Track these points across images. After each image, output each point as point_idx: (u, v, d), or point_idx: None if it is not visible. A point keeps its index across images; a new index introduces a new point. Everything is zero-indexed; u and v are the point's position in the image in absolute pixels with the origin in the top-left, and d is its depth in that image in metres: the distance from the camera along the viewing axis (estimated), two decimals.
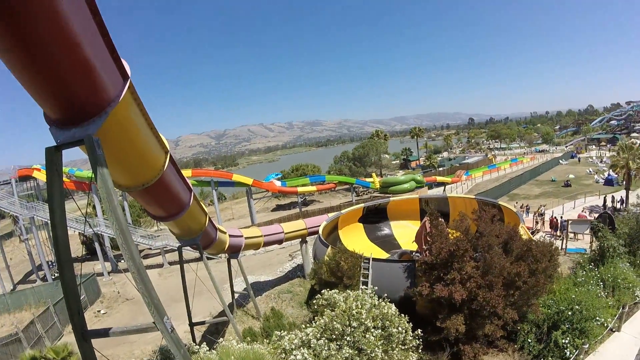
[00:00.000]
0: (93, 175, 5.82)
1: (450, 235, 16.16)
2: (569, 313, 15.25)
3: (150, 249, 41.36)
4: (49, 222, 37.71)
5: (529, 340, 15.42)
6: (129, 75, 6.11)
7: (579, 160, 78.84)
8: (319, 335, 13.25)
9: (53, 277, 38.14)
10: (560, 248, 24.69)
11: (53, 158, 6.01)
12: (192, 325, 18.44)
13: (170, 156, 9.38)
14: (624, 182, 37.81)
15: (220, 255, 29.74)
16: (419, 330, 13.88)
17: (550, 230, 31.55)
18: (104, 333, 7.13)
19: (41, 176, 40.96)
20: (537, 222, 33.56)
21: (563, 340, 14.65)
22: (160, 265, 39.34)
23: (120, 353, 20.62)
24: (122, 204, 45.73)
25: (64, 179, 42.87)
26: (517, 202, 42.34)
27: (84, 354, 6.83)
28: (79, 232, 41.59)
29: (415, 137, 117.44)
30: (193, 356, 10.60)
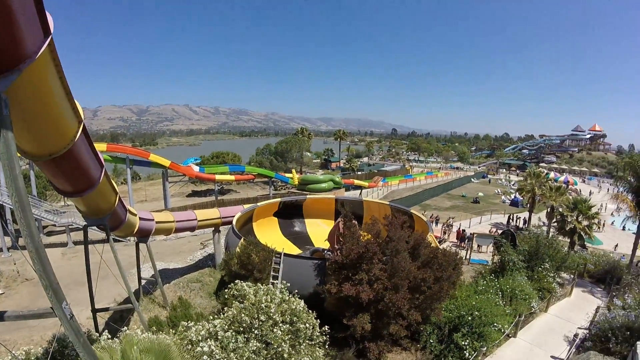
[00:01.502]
0: None
1: (362, 237, 16.66)
2: (469, 318, 16.43)
3: (54, 225, 38.14)
4: None
5: (431, 341, 16.45)
6: (52, 31, 5.48)
7: (489, 181, 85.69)
8: (226, 327, 13.06)
9: None
10: (464, 258, 26.49)
11: None
12: (94, 311, 17.25)
13: (84, 126, 8.69)
14: (528, 204, 41.47)
15: (129, 238, 28.32)
16: (326, 326, 14.13)
17: (456, 241, 33.74)
18: None
19: None
20: (445, 232, 35.68)
21: (463, 342, 15.75)
22: (65, 244, 36.38)
23: (18, 338, 18.85)
24: (28, 173, 41.87)
25: None
26: (425, 212, 44.74)
27: None
28: None
29: (339, 140, 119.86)
30: (94, 345, 9.94)
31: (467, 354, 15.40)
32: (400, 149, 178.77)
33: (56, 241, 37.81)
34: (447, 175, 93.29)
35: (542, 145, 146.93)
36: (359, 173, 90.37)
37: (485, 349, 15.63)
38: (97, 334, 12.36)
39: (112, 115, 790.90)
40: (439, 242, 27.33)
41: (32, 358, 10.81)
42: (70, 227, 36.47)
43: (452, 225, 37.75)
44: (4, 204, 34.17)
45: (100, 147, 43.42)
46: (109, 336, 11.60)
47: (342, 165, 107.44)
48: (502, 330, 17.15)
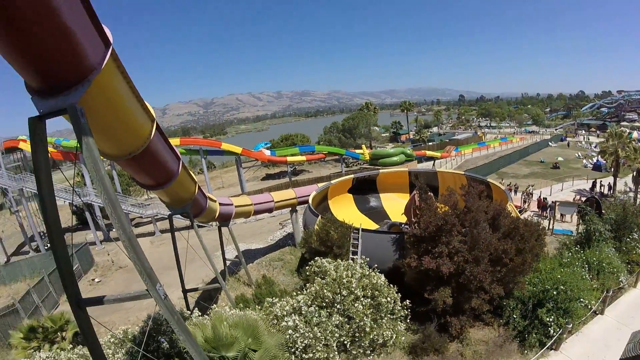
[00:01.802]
0: (78, 145, 5.68)
1: (438, 209, 16.25)
2: (554, 292, 15.40)
3: (141, 217, 41.33)
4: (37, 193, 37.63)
5: (514, 316, 15.67)
6: (111, 41, 5.89)
7: (568, 144, 79.31)
8: (309, 302, 13.48)
9: (46, 247, 38.04)
10: (547, 228, 25.02)
11: (36, 128, 5.82)
12: (185, 292, 18.66)
13: (157, 124, 9.20)
14: (612, 168, 38.19)
15: (211, 223, 29.78)
16: (407, 300, 14.13)
17: (537, 210, 31.88)
18: (98, 301, 7.13)
19: (27, 147, 40.24)
20: (525, 201, 33.86)
21: (547, 318, 14.86)
22: (152, 234, 39.42)
23: (116, 320, 20.83)
24: (111, 173, 45.34)
25: (51, 149, 42.18)
26: (502, 180, 42.64)
27: (80, 322, 6.87)
28: (69, 202, 41.30)
29: (406, 111, 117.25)
30: (186, 322, 10.72)
31: (552, 331, 14.61)
32: (470, 115, 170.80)
33: (144, 231, 40.93)
34: (522, 140, 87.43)
35: (622, 102, 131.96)
36: (430, 144, 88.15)
37: (570, 325, 14.74)
38: (189, 312, 13.27)
39: (180, 111, 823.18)
40: (520, 211, 25.97)
41: (130, 336, 11.89)
42: (155, 217, 39.22)
43: (532, 194, 35.65)
44: (93, 202, 37.37)
45: (174, 141, 45.75)
46: (200, 314, 12.43)
47: (411, 137, 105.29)
48: (589, 307, 16.16)
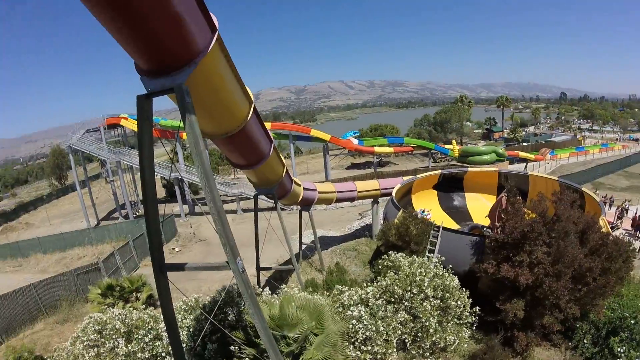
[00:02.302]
0: (182, 122, 6.21)
1: (526, 215, 15.47)
2: (632, 321, 14.03)
3: (226, 195, 43.68)
4: (133, 166, 41.62)
5: (585, 341, 14.50)
6: (217, 28, 6.33)
7: None
8: (378, 295, 13.55)
9: (135, 215, 41.84)
10: (638, 250, 22.76)
11: (143, 105, 6.45)
12: (258, 269, 19.52)
13: (254, 107, 9.69)
14: None
15: (292, 207, 30.66)
16: (477, 307, 13.71)
17: (631, 229, 29.10)
18: (179, 267, 7.78)
19: (128, 124, 44.55)
20: (619, 218, 30.99)
21: (619, 349, 13.55)
22: (234, 212, 41.56)
23: (189, 288, 22.32)
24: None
25: None
26: (597, 191, 39.12)
27: (159, 286, 7.49)
28: (161, 176, 44.82)
29: (502, 107, 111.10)
30: (257, 298, 11.31)
31: None
32: (571, 116, 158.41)
33: (227, 209, 43.12)
34: (625, 149, 79.50)
35: None
36: (525, 144, 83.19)
37: None
38: (260, 289, 13.89)
39: (272, 97, 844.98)
40: (611, 228, 23.85)
41: (200, 305, 12.72)
42: (239, 197, 41.27)
43: (627, 210, 32.55)
44: (184, 178, 40.25)
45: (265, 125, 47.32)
46: (270, 292, 13.00)
47: (505, 135, 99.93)
48: None
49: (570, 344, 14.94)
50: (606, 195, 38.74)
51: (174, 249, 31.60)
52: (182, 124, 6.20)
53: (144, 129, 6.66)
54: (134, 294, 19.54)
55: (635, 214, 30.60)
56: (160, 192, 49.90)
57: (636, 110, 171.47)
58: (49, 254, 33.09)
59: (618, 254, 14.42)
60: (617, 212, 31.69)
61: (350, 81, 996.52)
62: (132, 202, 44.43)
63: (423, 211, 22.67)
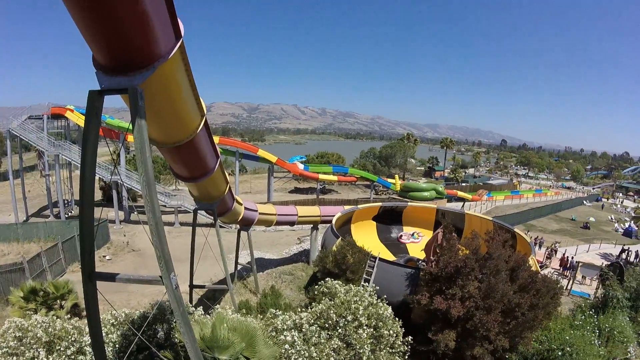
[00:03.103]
0: (130, 126, 5.99)
1: (460, 251, 16.12)
2: (559, 353, 15.00)
3: (164, 206, 42.20)
4: (72, 162, 39.24)
5: None
6: (182, 35, 6.23)
7: (602, 207, 76.61)
8: (312, 321, 13.44)
9: (67, 215, 39.22)
10: (565, 288, 24.39)
11: (94, 101, 6.14)
12: (192, 287, 18.83)
13: (206, 120, 9.55)
14: None
15: (231, 225, 30.11)
16: (410, 337, 13.95)
17: (559, 268, 31.16)
18: (110, 277, 7.28)
19: (73, 117, 42.01)
20: (548, 257, 33.11)
21: None
22: (171, 224, 40.06)
23: (117, 300, 21.19)
24: None
25: None
26: (528, 232, 41.76)
27: (87, 294, 7.00)
28: (100, 178, 42.58)
29: (445, 148, 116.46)
30: (189, 317, 10.88)
31: None
32: (509, 162, 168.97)
33: (164, 220, 41.33)
34: (557, 195, 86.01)
35: None
36: (463, 184, 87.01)
37: None
38: (193, 308, 13.45)
39: (225, 111, 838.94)
40: (541, 267, 25.36)
41: (130, 319, 12.11)
42: (179, 209, 39.95)
43: (556, 251, 34.89)
44: (122, 182, 38.43)
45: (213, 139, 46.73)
46: (202, 312, 12.59)
47: (446, 174, 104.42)
48: None
49: None
50: (537, 236, 41.25)
51: (104, 256, 29.83)
52: (130, 127, 5.97)
53: (91, 126, 6.29)
54: (58, 301, 18.19)
55: (564, 254, 32.77)
56: (97, 195, 47.38)
57: (570, 161, 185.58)
58: None
59: (546, 291, 15.41)
60: (547, 252, 33.83)
61: (304, 106, 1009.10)
62: (66, 201, 41.70)
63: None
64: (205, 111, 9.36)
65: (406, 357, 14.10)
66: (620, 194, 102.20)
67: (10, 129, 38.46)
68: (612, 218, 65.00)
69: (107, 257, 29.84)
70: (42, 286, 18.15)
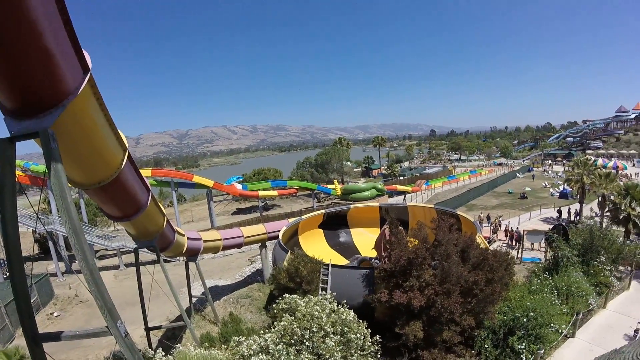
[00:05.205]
0: (47, 170, 5.54)
1: (409, 243, 16.41)
2: (524, 320, 15.70)
3: (106, 249, 40.13)
4: None
5: (486, 346, 15.75)
6: (90, 67, 5.87)
7: (533, 177, 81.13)
8: (277, 340, 13.13)
9: (4, 276, 36.11)
10: (516, 257, 25.55)
11: (6, 150, 5.65)
12: (148, 329, 17.86)
13: (129, 154, 9.09)
14: (578, 195, 39.58)
15: (178, 258, 29.10)
16: (378, 336, 13.96)
17: (506, 239, 32.62)
18: (55, 337, 6.81)
19: None
20: (494, 232, 34.61)
21: (519, 346, 15.05)
22: (117, 267, 38.13)
23: (74, 357, 19.89)
24: (78, 201, 44.15)
25: (18, 172, 40.81)
26: (482, 213, 43.69)
27: (35, 359, 6.48)
28: (32, 230, 39.83)
29: (378, 146, 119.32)
30: None
31: (524, 358, 14.73)
32: (441, 149, 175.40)
33: (108, 264, 39.64)
34: (491, 173, 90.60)
35: (587, 131, 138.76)
36: (401, 178, 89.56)
37: (542, 351, 14.90)
38: (152, 351, 12.74)
39: (154, 141, 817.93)
40: (489, 242, 26.43)
41: None
42: (121, 250, 38.12)
43: (501, 224, 36.64)
44: (57, 231, 36.10)
45: (145, 172, 45.15)
46: (163, 354, 11.96)
47: (383, 171, 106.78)
48: (560, 331, 16.36)
49: (473, 351, 15.99)
50: (480, 213, 42.96)
51: (52, 313, 27.73)
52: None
53: (6, 177, 5.75)
54: None
55: (508, 226, 34.36)
56: (33, 249, 44.01)
57: (498, 139, 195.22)
58: None
59: (498, 264, 16.02)
60: (492, 227, 35.25)
61: (233, 126, 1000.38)
62: (1, 261, 38.36)
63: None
64: (127, 145, 8.91)
65: (378, 355, 14.11)
66: (549, 161, 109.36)
67: None
68: (546, 184, 69.07)
69: (55, 314, 27.81)
70: None
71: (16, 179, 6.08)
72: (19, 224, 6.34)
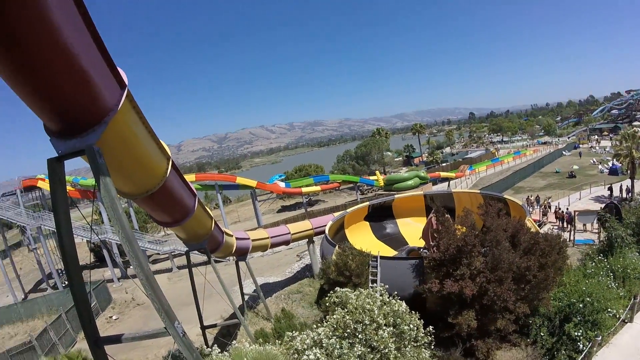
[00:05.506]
0: (96, 184, 5.80)
1: (457, 231, 16.06)
2: (580, 305, 15.02)
3: (158, 254, 41.61)
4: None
5: (542, 334, 15.25)
6: (126, 83, 6.11)
7: (580, 154, 77.04)
8: (330, 334, 13.21)
9: (64, 285, 38.37)
10: (568, 240, 24.49)
11: (55, 169, 6.00)
12: (203, 328, 18.48)
13: (172, 162, 9.36)
14: (628, 171, 37.40)
15: (228, 258, 29.78)
16: (431, 327, 13.79)
17: (556, 222, 31.33)
18: (116, 339, 7.11)
19: (45, 186, 41.34)
20: (544, 215, 33.31)
21: (575, 333, 14.42)
22: (169, 270, 39.49)
23: (134, 357, 20.78)
24: (128, 210, 46.00)
25: (69, 187, 42.96)
26: (530, 195, 41.95)
27: None
28: (87, 240, 41.92)
29: (417, 134, 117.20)
30: (205, 359, 10.57)
31: (581, 345, 14.05)
32: (482, 132, 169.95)
33: (161, 268, 41.10)
34: (535, 153, 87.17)
35: (631, 101, 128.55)
36: (444, 164, 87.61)
37: (600, 338, 14.18)
38: (208, 349, 13.11)
39: (195, 147, 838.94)
40: (539, 225, 25.44)
41: None
42: (172, 253, 39.40)
43: (550, 206, 35.16)
44: (111, 240, 37.79)
45: (189, 177, 46.42)
46: (219, 350, 12.27)
47: (424, 159, 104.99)
48: (617, 316, 15.54)
49: (528, 340, 15.55)
50: (534, 195, 41.34)
51: (111, 317, 29.25)
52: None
53: (58, 193, 6.13)
54: None
55: (558, 207, 32.96)
56: (88, 257, 46.30)
57: (540, 117, 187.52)
58: None
59: (550, 248, 15.39)
60: (542, 210, 33.91)
61: (270, 125, 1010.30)
62: (60, 271, 40.61)
63: None
64: (170, 153, 9.17)
65: (432, 346, 13.96)
66: (596, 136, 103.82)
67: None
68: (594, 161, 65.81)
69: (114, 317, 29.28)
70: None
71: (67, 194, 6.43)
72: (74, 235, 6.70)
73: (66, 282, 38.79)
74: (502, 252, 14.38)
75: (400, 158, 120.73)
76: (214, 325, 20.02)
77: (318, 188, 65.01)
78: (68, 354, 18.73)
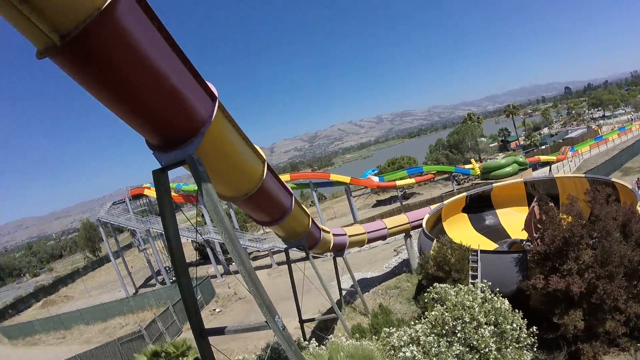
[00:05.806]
0: (198, 190, 6.32)
1: (562, 221, 14.87)
2: None
3: (258, 251, 43.85)
4: (163, 233, 42.25)
5: None
6: (217, 96, 6.57)
7: None
8: (428, 331, 12.98)
9: (171, 280, 42.17)
10: None
11: (160, 179, 6.67)
12: (302, 322, 19.14)
13: (268, 164, 9.80)
14: None
15: (326, 254, 30.37)
16: (534, 327, 13.01)
17: None
18: (219, 331, 7.64)
19: (151, 193, 46.26)
20: None
21: None
22: (269, 266, 41.36)
23: (235, 347, 22.03)
24: (228, 211, 48.87)
25: (173, 194, 47.80)
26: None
27: (202, 351, 7.47)
28: (192, 240, 45.54)
29: (511, 116, 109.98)
30: (303, 352, 10.93)
31: None
32: (581, 108, 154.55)
33: (261, 264, 43.17)
34: None
35: None
36: (543, 147, 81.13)
37: None
38: (306, 342, 13.52)
39: (287, 148, 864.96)
40: None
41: None
42: (272, 250, 41.33)
43: None
44: (213, 239, 40.73)
45: (284, 177, 48.02)
46: (316, 344, 12.63)
47: (522, 143, 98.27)
48: None
49: (639, 344, 14.04)
50: (639, 178, 37.23)
51: (214, 310, 31.55)
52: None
53: (164, 201, 6.82)
54: (180, 358, 19.39)
55: None
56: (194, 255, 50.27)
57: None
58: (91, 324, 34.26)
59: None
60: None
61: (359, 120, 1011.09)
62: (167, 268, 44.76)
63: None
64: (264, 157, 9.63)
65: (534, 348, 13.16)
66: None
67: (100, 217, 44.03)
68: None
69: (217, 310, 31.49)
70: (163, 348, 19.33)
71: (172, 200, 7.09)
72: (181, 236, 7.36)
73: (174, 278, 42.62)
74: (612, 244, 13.00)
75: (496, 143, 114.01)
76: (312, 320, 20.61)
77: (412, 180, 63.77)
78: (174, 342, 20.49)
